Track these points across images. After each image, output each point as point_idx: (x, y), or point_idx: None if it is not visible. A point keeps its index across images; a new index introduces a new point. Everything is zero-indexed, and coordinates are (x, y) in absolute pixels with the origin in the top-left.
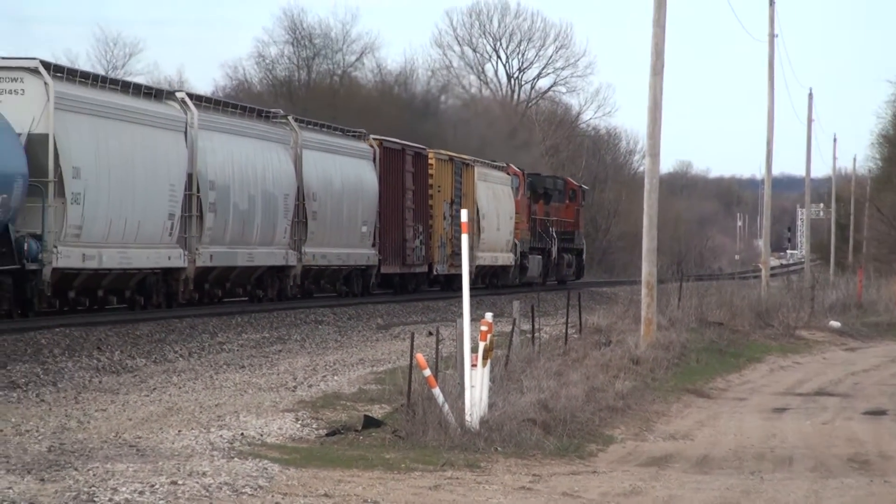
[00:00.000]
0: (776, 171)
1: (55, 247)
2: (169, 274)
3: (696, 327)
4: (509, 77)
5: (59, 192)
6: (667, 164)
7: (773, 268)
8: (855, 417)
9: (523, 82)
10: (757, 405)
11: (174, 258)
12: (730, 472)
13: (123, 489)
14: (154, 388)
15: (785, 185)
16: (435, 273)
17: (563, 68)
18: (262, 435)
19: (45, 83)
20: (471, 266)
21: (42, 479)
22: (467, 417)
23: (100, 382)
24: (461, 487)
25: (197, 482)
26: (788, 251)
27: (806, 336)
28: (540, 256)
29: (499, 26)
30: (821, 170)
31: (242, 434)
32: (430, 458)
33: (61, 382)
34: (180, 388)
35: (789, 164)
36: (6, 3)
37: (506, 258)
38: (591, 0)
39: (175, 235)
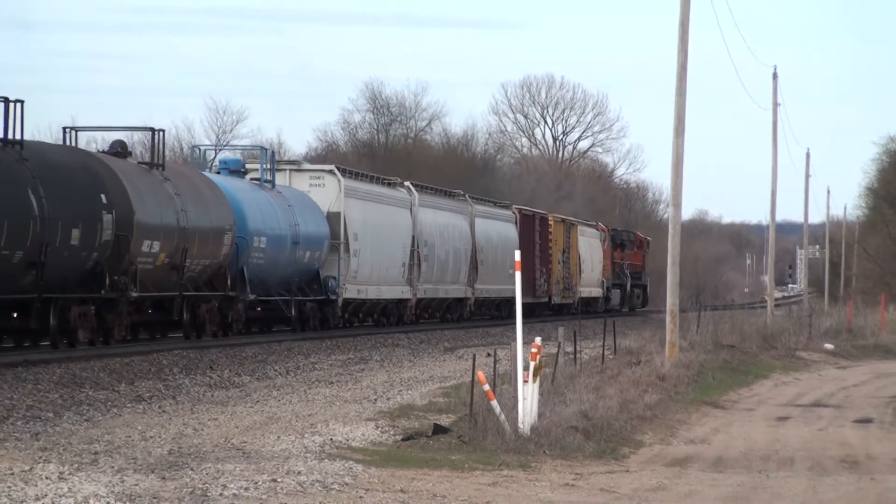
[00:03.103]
0: (779, 218)
1: (344, 285)
2: (400, 303)
3: (712, 349)
4: (554, 139)
5: (346, 249)
6: (687, 212)
7: (776, 299)
8: (846, 425)
9: (566, 144)
10: (763, 415)
11: (405, 292)
12: (740, 471)
13: (231, 485)
14: (257, 401)
15: (787, 230)
16: (553, 302)
17: (599, 132)
18: (347, 440)
19: (339, 179)
20: (575, 296)
21: (163, 478)
22: (520, 425)
23: (212, 396)
24: (515, 484)
25: (293, 479)
26: (789, 285)
27: (804, 356)
28: (619, 290)
29: (546, 97)
30: (817, 216)
31: (331, 439)
32: (488, 460)
33: (179, 396)
34: (279, 400)
35: (790, 211)
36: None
37: (597, 291)
38: (624, 74)
39: (405, 277)
